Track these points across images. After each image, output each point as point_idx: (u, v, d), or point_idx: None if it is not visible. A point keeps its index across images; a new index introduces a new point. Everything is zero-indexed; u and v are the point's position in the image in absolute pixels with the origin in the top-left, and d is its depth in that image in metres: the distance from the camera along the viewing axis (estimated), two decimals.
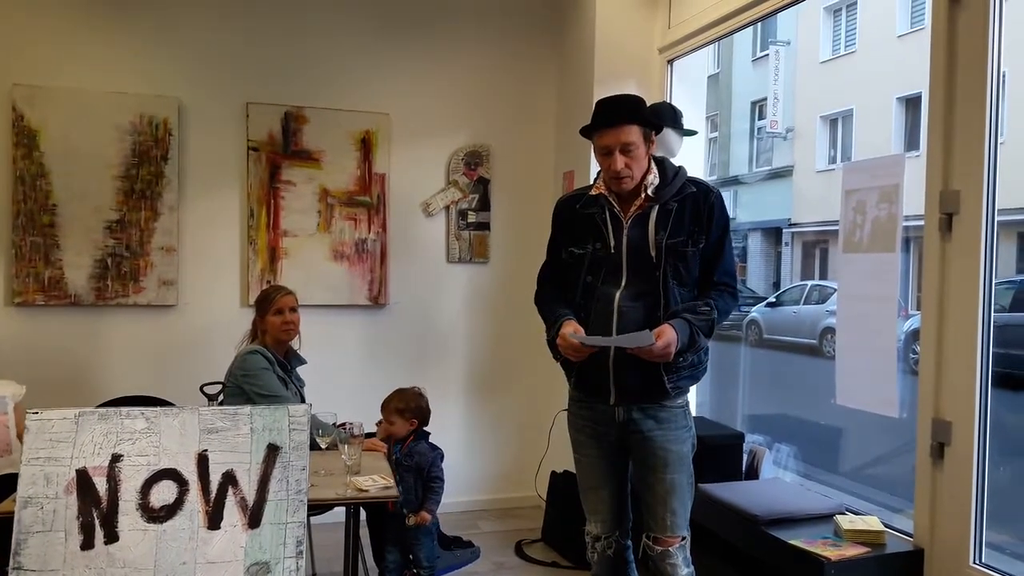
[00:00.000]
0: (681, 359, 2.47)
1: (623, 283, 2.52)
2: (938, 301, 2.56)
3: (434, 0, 4.65)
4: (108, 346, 4.18)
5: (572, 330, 2.48)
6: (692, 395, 4.09)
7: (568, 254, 2.65)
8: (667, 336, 2.36)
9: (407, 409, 3.44)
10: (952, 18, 2.54)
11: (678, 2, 4.19)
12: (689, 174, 2.63)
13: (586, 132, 2.58)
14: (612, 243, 2.55)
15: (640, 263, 2.51)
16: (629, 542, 2.71)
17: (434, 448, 3.50)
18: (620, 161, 2.46)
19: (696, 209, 2.52)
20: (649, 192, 2.53)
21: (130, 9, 4.17)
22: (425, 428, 3.59)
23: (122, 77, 4.15)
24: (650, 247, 2.50)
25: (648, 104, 3.52)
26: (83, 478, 1.90)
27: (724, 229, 2.56)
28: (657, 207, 2.52)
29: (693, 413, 4.01)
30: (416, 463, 3.36)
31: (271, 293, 3.52)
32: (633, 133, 2.46)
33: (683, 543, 2.54)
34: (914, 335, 3.34)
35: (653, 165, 2.56)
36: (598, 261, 2.56)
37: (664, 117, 3.48)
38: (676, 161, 2.77)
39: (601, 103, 2.56)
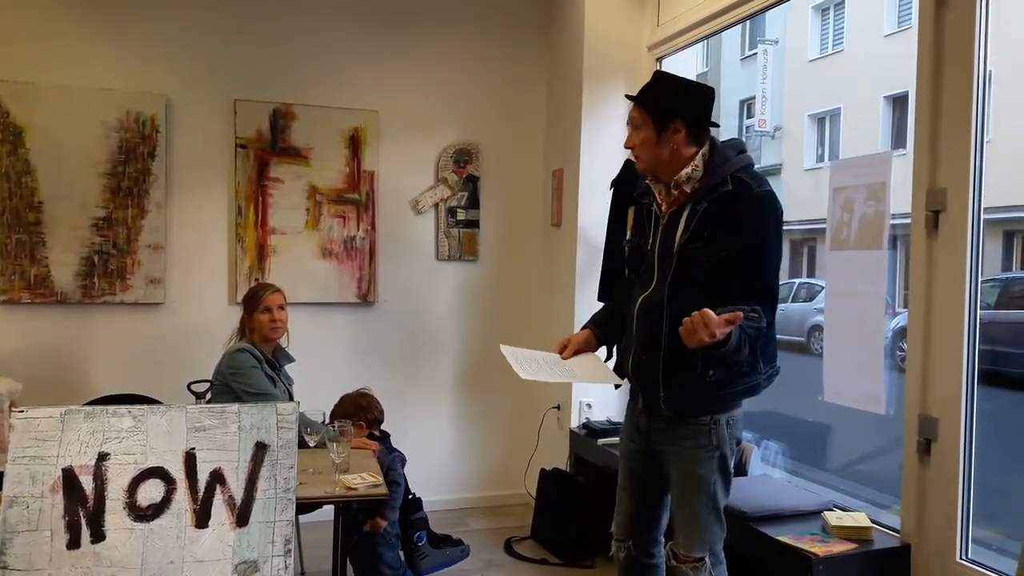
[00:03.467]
0: (708, 371, 2.24)
1: (652, 285, 2.36)
2: (925, 298, 2.57)
3: None
4: (95, 344, 4.15)
5: (565, 344, 2.47)
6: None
7: (622, 243, 2.63)
8: (702, 320, 1.99)
9: (348, 414, 3.41)
10: (939, 17, 2.55)
11: (667, 0, 4.20)
12: (750, 168, 2.33)
13: None
14: (651, 239, 2.41)
15: (666, 266, 2.32)
16: (652, 559, 2.54)
17: (392, 451, 3.47)
18: (628, 137, 2.38)
19: (724, 211, 2.24)
20: (685, 188, 2.32)
21: (117, 5, 4.14)
22: (383, 430, 3.57)
23: (109, 73, 4.13)
24: (674, 248, 2.31)
25: None
26: (69, 477, 1.89)
27: (758, 235, 2.23)
28: (690, 205, 2.29)
29: None
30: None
31: (258, 291, 3.51)
32: (638, 114, 2.34)
33: (699, 565, 2.33)
34: (901, 332, 3.36)
35: (698, 158, 2.32)
36: (641, 257, 2.45)
37: None
38: None
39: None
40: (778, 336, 2.47)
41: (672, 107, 2.31)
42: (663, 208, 2.38)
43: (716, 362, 2.19)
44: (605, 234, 3.89)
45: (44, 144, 4.00)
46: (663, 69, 4.26)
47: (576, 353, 2.49)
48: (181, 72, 4.24)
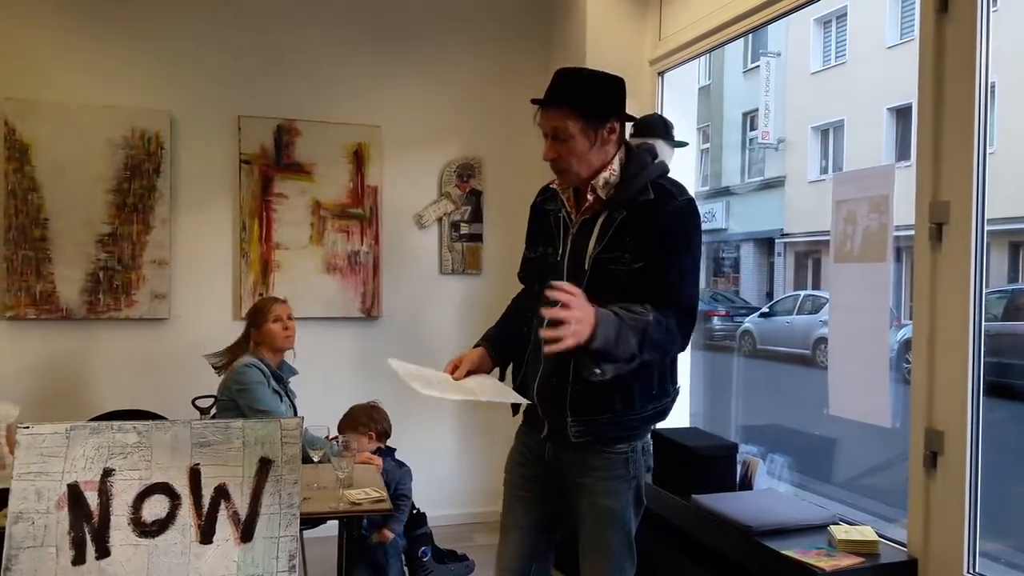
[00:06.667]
0: (601, 400, 2.09)
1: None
2: (929, 311, 2.56)
3: (425, 13, 4.68)
4: (100, 360, 4.16)
5: (456, 364, 2.27)
6: (684, 404, 4.08)
7: (525, 257, 2.39)
8: (576, 311, 1.85)
9: (360, 425, 3.43)
10: (940, 29, 2.55)
11: (668, 14, 4.21)
12: (667, 176, 2.20)
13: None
14: (559, 249, 2.20)
15: (577, 276, 2.11)
16: None
17: (401, 465, 3.48)
18: (550, 149, 2.16)
19: (644, 220, 2.07)
20: (600, 193, 2.13)
21: (122, 22, 4.18)
22: (388, 445, 3.57)
23: (114, 91, 4.16)
24: (585, 259, 2.12)
25: (640, 116, 3.54)
26: (74, 493, 1.89)
27: (677, 245, 2.08)
28: (606, 213, 2.12)
29: (686, 424, 4.03)
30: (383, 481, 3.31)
31: (267, 303, 3.50)
32: (567, 120, 2.10)
33: None
34: (907, 344, 3.35)
35: (615, 161, 2.15)
36: (547, 268, 2.22)
37: (655, 129, 3.49)
38: None
39: (555, 74, 2.19)
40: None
41: (609, 107, 2.15)
42: (573, 215, 2.20)
43: (602, 358, 1.95)
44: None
45: (50, 161, 4.02)
46: (667, 79, 4.26)
47: (469, 374, 2.29)
48: (186, 89, 4.27)
